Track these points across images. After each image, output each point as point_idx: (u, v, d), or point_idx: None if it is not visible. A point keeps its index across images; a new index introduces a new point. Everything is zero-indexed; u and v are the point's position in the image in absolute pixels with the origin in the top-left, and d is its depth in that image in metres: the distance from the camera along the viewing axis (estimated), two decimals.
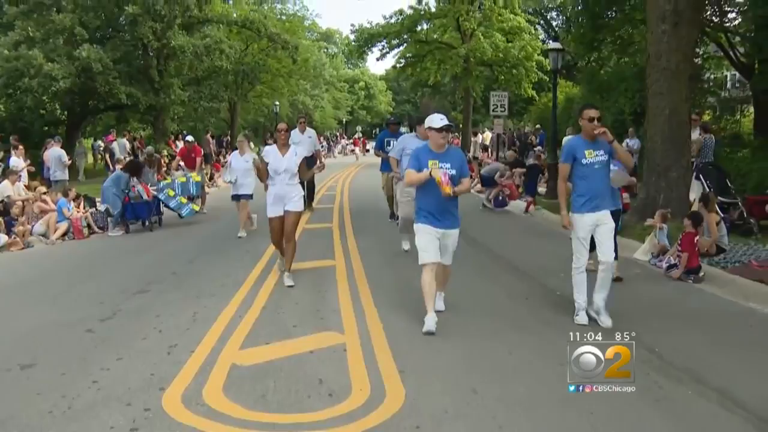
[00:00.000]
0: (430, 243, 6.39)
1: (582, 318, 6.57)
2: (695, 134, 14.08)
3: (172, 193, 14.20)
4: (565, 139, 16.50)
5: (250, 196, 12.48)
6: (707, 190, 12.20)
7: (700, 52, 26.27)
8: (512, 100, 38.30)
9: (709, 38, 23.15)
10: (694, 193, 12.53)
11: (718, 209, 11.26)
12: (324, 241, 11.60)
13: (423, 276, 6.35)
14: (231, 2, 36.42)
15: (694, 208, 10.87)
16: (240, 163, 12.41)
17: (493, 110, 23.97)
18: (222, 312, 6.91)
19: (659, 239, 10.23)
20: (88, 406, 4.59)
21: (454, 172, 6.38)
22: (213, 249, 11.07)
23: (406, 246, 10.31)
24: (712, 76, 29.69)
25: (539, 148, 24.34)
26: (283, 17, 42.29)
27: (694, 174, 12.87)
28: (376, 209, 14.58)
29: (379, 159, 13.03)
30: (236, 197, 12.56)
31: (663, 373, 5.20)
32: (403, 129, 15.56)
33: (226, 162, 18.74)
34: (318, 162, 12.07)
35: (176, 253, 10.83)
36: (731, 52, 21.75)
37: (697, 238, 9.18)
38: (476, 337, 6.11)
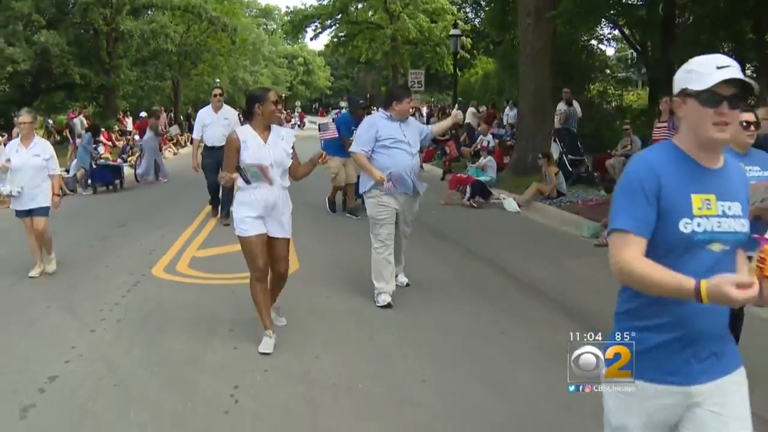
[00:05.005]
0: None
1: None
2: (564, 106, 17.33)
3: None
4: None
5: (46, 211, 7.78)
6: (561, 150, 15.63)
7: (596, 34, 29.80)
8: (439, 75, 41.47)
9: (608, 20, 26.49)
10: (555, 152, 15.87)
11: (567, 163, 14.91)
12: None
13: None
14: None
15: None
16: (25, 158, 7.60)
17: (410, 86, 26.98)
18: (182, 233, 9.97)
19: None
20: (106, 275, 7.64)
21: None
22: (168, 200, 14.08)
23: (384, 299, 6.44)
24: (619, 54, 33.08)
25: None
26: None
27: (552, 137, 16.22)
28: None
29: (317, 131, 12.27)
30: (25, 213, 7.75)
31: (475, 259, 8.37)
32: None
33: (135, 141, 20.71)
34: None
35: (139, 204, 13.75)
36: (629, 34, 25.01)
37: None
38: (350, 240, 9.05)
